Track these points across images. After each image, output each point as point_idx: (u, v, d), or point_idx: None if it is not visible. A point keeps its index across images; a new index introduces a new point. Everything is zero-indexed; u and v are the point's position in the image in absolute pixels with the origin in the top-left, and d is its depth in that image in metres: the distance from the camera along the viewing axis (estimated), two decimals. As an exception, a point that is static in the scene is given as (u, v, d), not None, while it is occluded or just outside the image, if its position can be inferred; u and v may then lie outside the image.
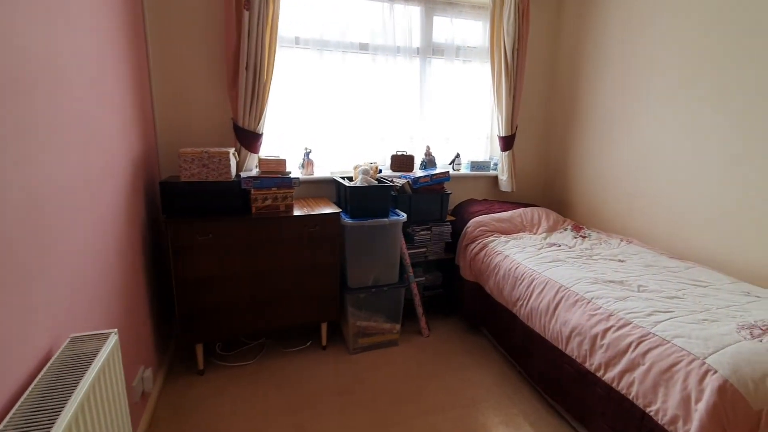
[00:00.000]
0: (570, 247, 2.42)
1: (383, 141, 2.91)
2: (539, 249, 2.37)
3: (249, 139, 2.35)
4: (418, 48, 2.86)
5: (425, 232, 2.61)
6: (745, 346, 1.33)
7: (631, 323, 1.56)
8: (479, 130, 3.20)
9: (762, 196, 1.91)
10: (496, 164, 3.15)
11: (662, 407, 1.35)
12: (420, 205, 2.60)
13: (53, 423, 0.80)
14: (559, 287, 1.91)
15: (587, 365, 1.65)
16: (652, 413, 1.38)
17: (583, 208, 3.00)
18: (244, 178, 2.05)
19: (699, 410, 1.23)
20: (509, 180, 3.05)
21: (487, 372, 2.21)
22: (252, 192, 2.05)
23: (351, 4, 2.65)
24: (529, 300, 2.02)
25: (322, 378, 2.13)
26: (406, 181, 2.58)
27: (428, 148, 2.92)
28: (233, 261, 2.05)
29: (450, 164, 3.08)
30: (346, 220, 2.22)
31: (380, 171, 2.69)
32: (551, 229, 2.75)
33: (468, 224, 2.68)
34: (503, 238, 2.57)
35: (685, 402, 1.28)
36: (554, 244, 2.46)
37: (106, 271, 1.44)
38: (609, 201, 2.78)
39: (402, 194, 2.55)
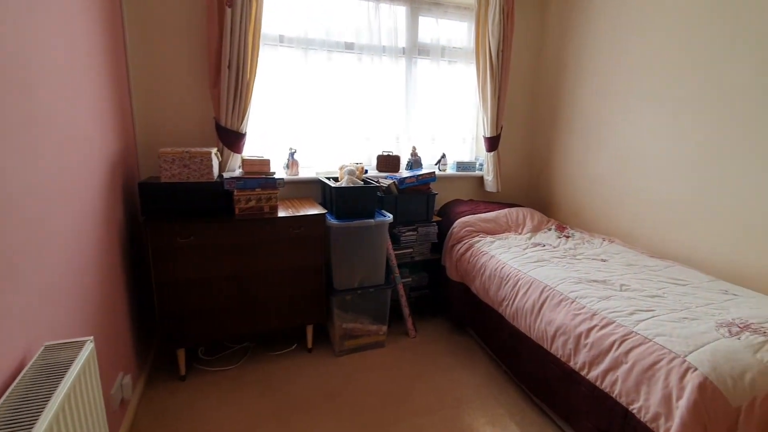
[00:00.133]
0: (554, 247, 2.45)
1: (369, 141, 2.89)
2: (524, 249, 2.39)
3: (232, 139, 2.30)
4: (403, 48, 2.86)
5: (411, 232, 2.60)
6: (724, 344, 1.36)
7: (614, 322, 1.59)
8: (465, 131, 3.21)
9: (737, 196, 1.96)
10: (481, 165, 3.17)
11: (644, 405, 1.37)
12: (406, 206, 2.59)
13: (24, 437, 0.76)
14: (544, 287, 1.93)
15: (572, 364, 1.67)
16: (634, 411, 1.40)
17: (567, 208, 3.05)
18: (226, 178, 2.01)
19: (680, 407, 1.26)
20: (495, 180, 3.07)
21: (474, 372, 2.22)
22: (235, 193, 2.01)
23: (336, 3, 2.63)
24: (514, 300, 2.04)
25: (308, 381, 2.10)
26: (392, 181, 2.57)
27: (414, 148, 2.91)
28: (216, 263, 2.01)
29: (436, 164, 3.08)
30: (332, 221, 2.19)
31: (366, 171, 2.68)
32: (536, 229, 2.78)
33: (454, 225, 2.68)
34: (489, 238, 2.58)
35: (667, 399, 1.31)
36: (539, 244, 2.49)
37: (82, 275, 1.38)
38: (591, 201, 2.83)
39: (388, 195, 2.54)
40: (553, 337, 1.77)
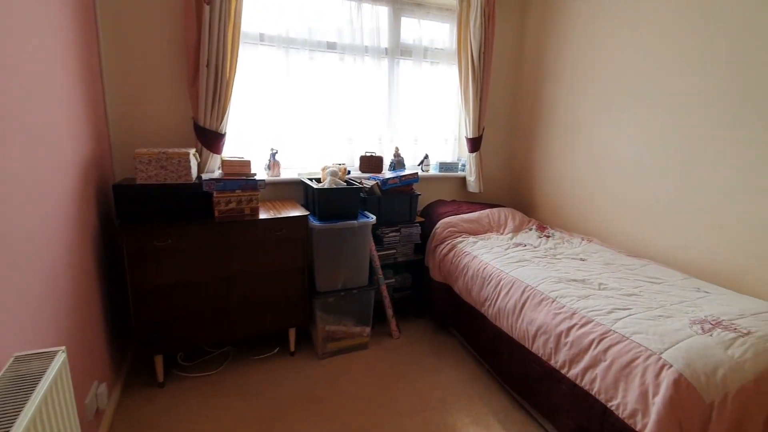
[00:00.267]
0: (535, 247, 2.49)
1: (352, 142, 2.87)
2: (506, 249, 2.42)
3: (211, 140, 2.25)
4: (386, 48, 2.85)
5: (394, 233, 2.60)
6: (698, 341, 1.40)
7: (592, 321, 1.62)
8: (447, 132, 3.23)
9: (708, 197, 2.03)
10: (464, 165, 3.20)
11: (622, 402, 1.40)
12: (389, 207, 2.59)
13: (-11, 456, 0.72)
14: (525, 287, 1.95)
15: (552, 363, 1.70)
16: (613, 408, 1.43)
17: (547, 209, 3.10)
18: (205, 180, 1.96)
19: (656, 404, 1.29)
20: (477, 181, 3.10)
21: (458, 372, 2.23)
22: (214, 195, 1.97)
23: (317, 2, 2.60)
24: (496, 300, 2.06)
25: (291, 385, 2.08)
26: (375, 182, 2.56)
27: (397, 149, 2.91)
28: (195, 267, 1.96)
29: (419, 165, 3.09)
30: (314, 222, 2.17)
31: (349, 172, 2.66)
32: (517, 229, 2.82)
33: (437, 225, 2.70)
34: (471, 238, 2.61)
35: (644, 396, 1.34)
36: (520, 244, 2.52)
37: (54, 282, 1.33)
38: (570, 201, 2.88)
39: (371, 196, 2.53)
40: (535, 336, 1.80)
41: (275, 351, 2.35)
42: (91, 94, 1.86)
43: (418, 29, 2.93)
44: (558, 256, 2.32)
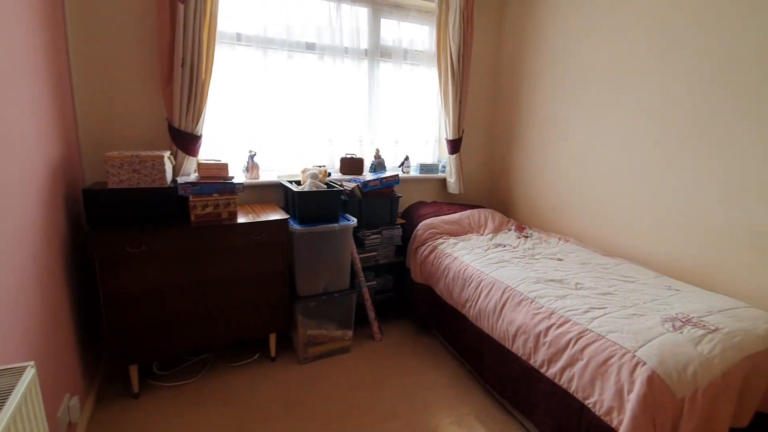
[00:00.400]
0: (514, 248, 2.52)
1: (332, 143, 2.85)
2: (486, 250, 2.45)
3: (186, 142, 2.19)
4: (366, 50, 2.84)
5: (376, 236, 2.60)
6: (669, 338, 1.45)
7: (570, 321, 1.65)
8: (428, 133, 3.24)
9: (677, 197, 2.11)
10: (444, 167, 3.22)
11: (599, 399, 1.44)
12: (370, 209, 2.58)
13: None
14: (505, 288, 1.98)
15: (532, 362, 1.73)
16: (590, 405, 1.47)
17: (525, 209, 3.15)
18: (181, 184, 1.91)
19: (631, 401, 1.33)
20: (457, 182, 3.13)
21: (439, 373, 2.25)
22: (190, 199, 1.92)
23: (296, 2, 2.57)
24: (477, 301, 2.08)
25: (272, 391, 2.05)
26: (355, 184, 2.55)
27: (378, 150, 2.91)
28: (171, 274, 1.91)
29: (399, 167, 3.10)
30: (295, 226, 2.14)
31: (329, 174, 2.64)
32: (497, 230, 2.85)
33: (418, 227, 2.71)
34: (452, 240, 2.63)
35: (619, 393, 1.38)
36: (500, 245, 2.56)
37: (21, 292, 1.27)
38: (548, 202, 2.94)
39: (352, 198, 2.52)
40: (515, 336, 1.82)
41: (255, 357, 2.31)
42: (58, 94, 1.78)
43: (397, 31, 2.93)
44: (536, 257, 2.37)
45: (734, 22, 1.84)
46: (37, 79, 1.55)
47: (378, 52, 2.89)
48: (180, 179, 2.03)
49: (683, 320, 1.57)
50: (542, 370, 1.67)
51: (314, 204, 2.22)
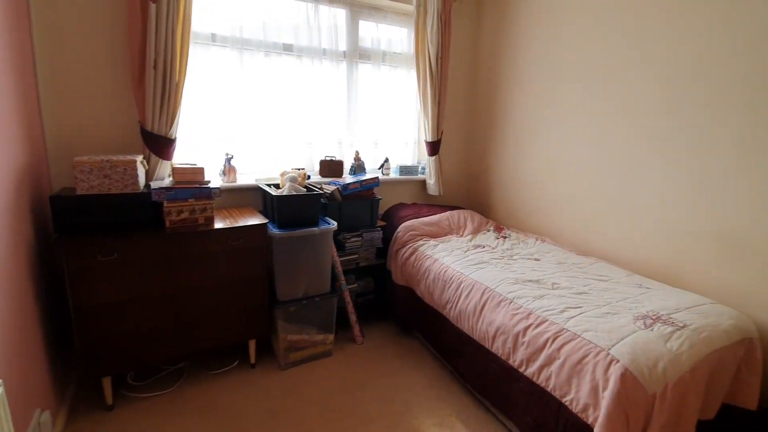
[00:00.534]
0: (493, 248, 2.56)
1: (311, 146, 2.83)
2: (465, 252, 2.47)
3: (160, 145, 2.14)
4: (344, 51, 2.83)
5: (356, 238, 2.59)
6: (641, 336, 1.50)
7: (547, 320, 1.69)
8: (407, 135, 3.26)
9: (646, 199, 2.18)
10: (423, 168, 3.24)
11: (575, 397, 1.48)
12: (350, 212, 2.57)
13: None
14: (485, 289, 2.01)
15: (511, 362, 1.76)
16: (567, 403, 1.51)
17: (504, 210, 3.21)
18: (155, 189, 1.85)
19: (606, 398, 1.37)
20: (436, 184, 3.15)
21: (421, 374, 2.26)
22: (165, 204, 1.87)
23: (273, 2, 2.53)
24: (458, 302, 2.10)
25: (252, 399, 2.02)
26: (335, 187, 2.54)
27: (357, 153, 2.90)
28: (145, 282, 1.85)
29: (379, 169, 3.10)
30: (274, 231, 2.12)
31: (308, 177, 2.62)
32: (476, 231, 2.89)
33: (398, 229, 2.71)
34: (432, 241, 2.65)
35: (594, 390, 1.42)
36: (479, 246, 2.59)
37: (-21, 307, 1.21)
38: (525, 203, 3.00)
39: (332, 202, 2.50)
40: (494, 336, 1.85)
41: (234, 364, 2.27)
42: (23, 95, 1.70)
43: (376, 33, 2.93)
44: (515, 257, 2.41)
45: (705, 28, 1.90)
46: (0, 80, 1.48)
47: (357, 53, 2.88)
48: (154, 184, 1.97)
49: (653, 318, 1.63)
50: (521, 370, 1.71)
51: (293, 208, 2.19)
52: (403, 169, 3.14)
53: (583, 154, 2.54)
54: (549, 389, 1.58)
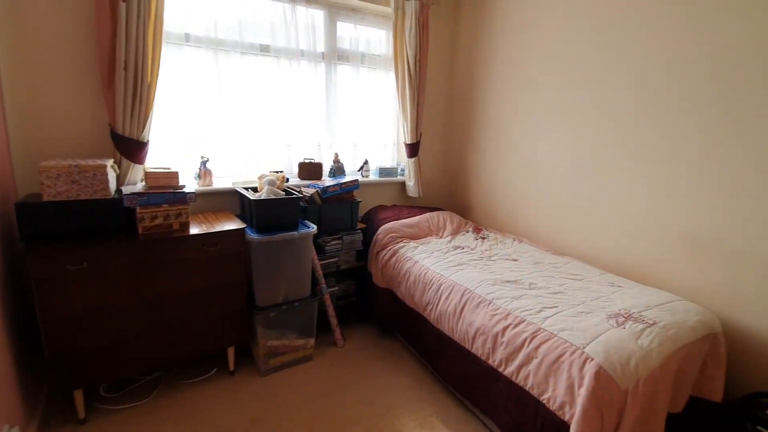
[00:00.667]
0: (472, 249, 2.60)
1: (290, 148, 2.80)
2: (445, 253, 2.50)
3: (131, 149, 2.07)
4: (322, 53, 2.81)
5: (336, 242, 2.58)
6: (614, 334, 1.55)
7: (525, 320, 1.73)
8: (386, 137, 3.26)
9: (619, 199, 2.26)
10: (403, 170, 3.25)
11: (553, 395, 1.52)
12: (330, 215, 2.56)
13: None
14: (464, 290, 2.03)
15: (491, 362, 1.79)
16: (545, 401, 1.54)
17: (482, 211, 3.25)
18: (126, 194, 1.80)
19: (581, 395, 1.41)
20: (416, 185, 3.17)
21: (402, 376, 2.27)
22: (138, 210, 1.81)
23: (249, 1, 2.49)
24: (438, 304, 2.12)
25: (231, 406, 1.98)
26: (315, 190, 2.52)
27: (336, 155, 2.89)
28: (117, 291, 1.79)
29: (359, 171, 3.09)
30: (252, 235, 2.08)
31: (287, 180, 2.59)
32: (455, 232, 2.92)
33: (378, 231, 2.72)
34: (412, 243, 2.66)
35: (571, 388, 1.46)
36: (458, 247, 2.62)
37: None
38: (502, 204, 3.05)
39: (311, 205, 2.48)
40: (474, 337, 1.88)
41: (213, 372, 2.22)
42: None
43: (354, 34, 2.92)
44: (493, 258, 2.45)
45: (679, 29, 1.95)
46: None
47: (335, 55, 2.87)
48: (125, 189, 1.91)
49: (625, 316, 1.68)
50: (500, 369, 1.74)
51: (272, 212, 2.17)
52: (383, 171, 3.14)
53: (557, 155, 2.60)
54: (527, 388, 1.61)
